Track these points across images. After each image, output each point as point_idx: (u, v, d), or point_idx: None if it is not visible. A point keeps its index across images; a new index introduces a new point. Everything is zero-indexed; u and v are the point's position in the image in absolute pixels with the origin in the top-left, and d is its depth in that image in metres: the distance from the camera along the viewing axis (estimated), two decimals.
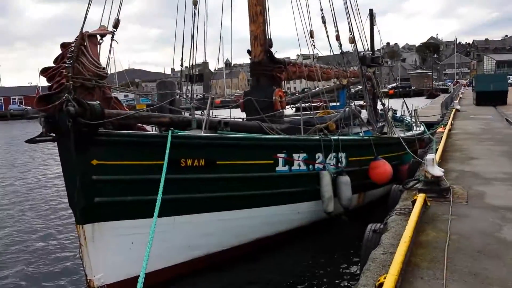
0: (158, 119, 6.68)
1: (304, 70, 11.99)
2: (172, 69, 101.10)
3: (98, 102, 5.55)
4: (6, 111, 78.27)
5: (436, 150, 9.98)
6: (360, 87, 13.52)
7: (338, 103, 15.52)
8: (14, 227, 10.68)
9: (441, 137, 12.36)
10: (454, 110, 23.24)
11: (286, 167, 7.96)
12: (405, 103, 16.39)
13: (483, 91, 27.88)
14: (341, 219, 8.96)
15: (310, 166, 8.40)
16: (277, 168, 7.79)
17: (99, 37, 5.96)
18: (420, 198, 5.71)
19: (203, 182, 6.77)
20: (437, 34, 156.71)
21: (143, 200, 6.08)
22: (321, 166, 8.48)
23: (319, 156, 8.51)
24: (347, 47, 12.12)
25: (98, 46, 6.02)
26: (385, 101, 13.39)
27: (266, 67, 10.48)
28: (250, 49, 10.61)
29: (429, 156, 6.70)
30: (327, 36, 11.02)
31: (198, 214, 6.77)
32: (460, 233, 4.95)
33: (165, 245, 6.39)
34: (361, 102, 17.62)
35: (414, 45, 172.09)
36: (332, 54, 11.34)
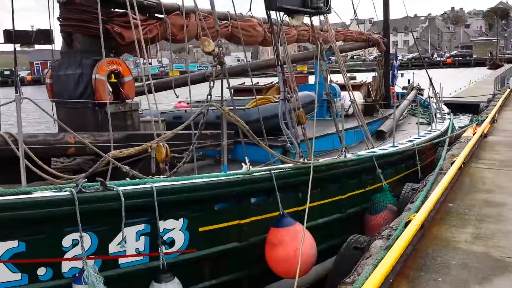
0: None
1: (223, 27, 6.42)
2: None
3: None
4: None
5: (418, 207, 4.28)
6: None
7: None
8: None
9: (452, 162, 6.28)
10: (508, 91, 16.02)
11: None
12: (430, 78, 10.50)
13: None
14: None
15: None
16: None
17: None
18: None
19: None
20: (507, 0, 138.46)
21: None
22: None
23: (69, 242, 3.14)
24: None
25: None
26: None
27: (86, 13, 5.02)
28: None
29: None
30: None
31: None
32: None
33: None
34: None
35: (482, 11, 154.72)
36: None
